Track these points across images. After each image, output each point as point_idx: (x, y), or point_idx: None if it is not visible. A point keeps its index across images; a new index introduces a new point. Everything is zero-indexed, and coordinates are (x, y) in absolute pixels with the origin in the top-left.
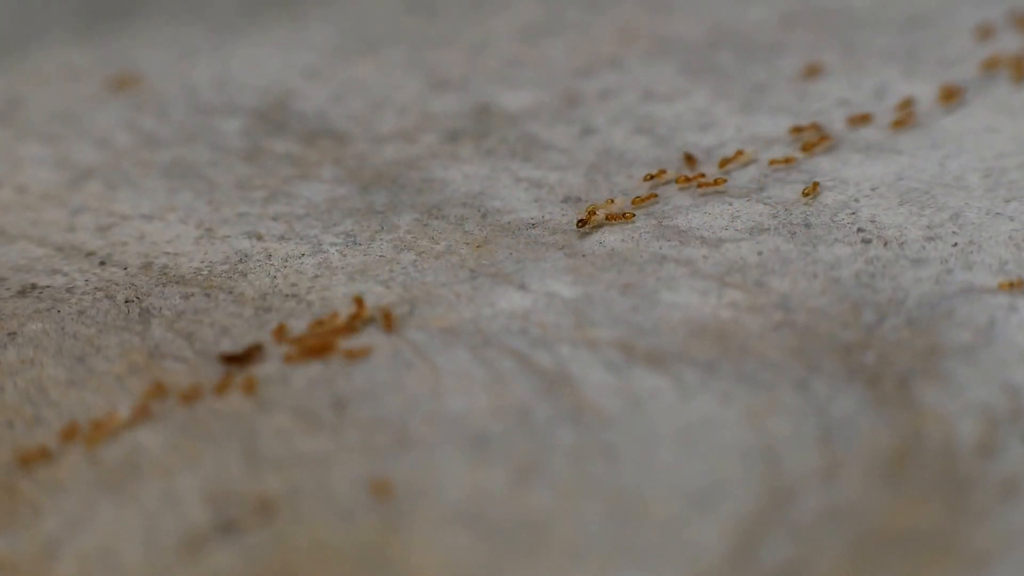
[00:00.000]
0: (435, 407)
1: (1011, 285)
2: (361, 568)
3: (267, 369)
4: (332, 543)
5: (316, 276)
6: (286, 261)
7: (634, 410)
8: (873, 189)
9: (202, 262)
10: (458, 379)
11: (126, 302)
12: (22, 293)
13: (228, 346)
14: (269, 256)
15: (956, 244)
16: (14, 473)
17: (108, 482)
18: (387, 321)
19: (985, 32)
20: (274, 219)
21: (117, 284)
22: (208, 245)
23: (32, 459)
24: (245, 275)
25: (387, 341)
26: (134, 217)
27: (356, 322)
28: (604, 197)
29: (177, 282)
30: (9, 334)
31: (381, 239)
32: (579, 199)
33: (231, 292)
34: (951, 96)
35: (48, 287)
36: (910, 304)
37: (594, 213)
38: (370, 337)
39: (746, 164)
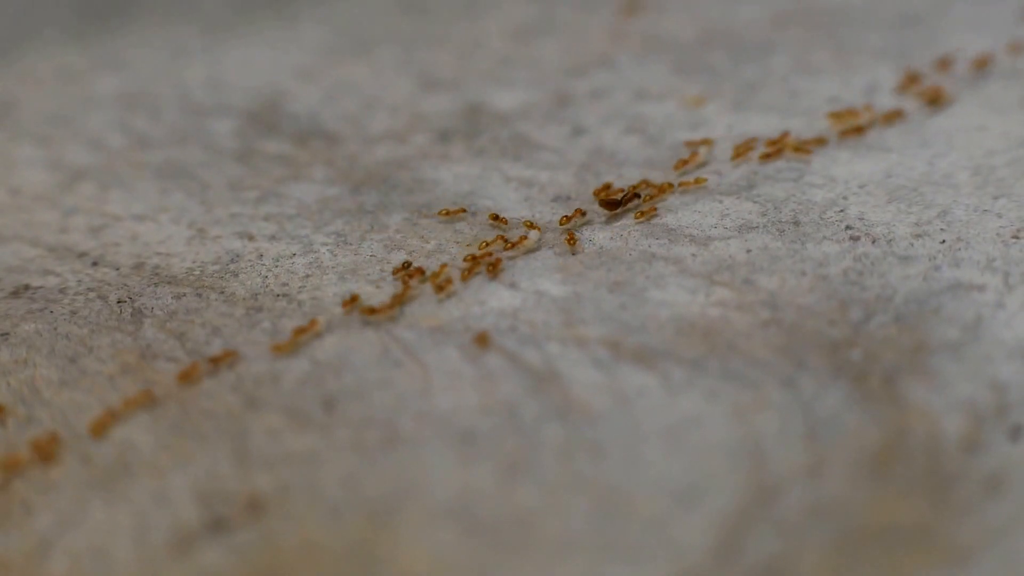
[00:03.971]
0: (424, 405)
1: None
2: (350, 565)
3: (257, 367)
4: (321, 541)
5: (307, 276)
6: (277, 261)
7: (621, 407)
8: (862, 187)
9: (194, 262)
10: (447, 377)
11: (118, 302)
12: (15, 294)
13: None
14: (260, 256)
15: (944, 241)
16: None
17: (99, 481)
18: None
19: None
20: (265, 219)
21: (109, 284)
22: (200, 245)
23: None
24: (236, 275)
25: (376, 338)
26: (126, 218)
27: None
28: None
29: (169, 282)
30: (2, 334)
31: (371, 239)
32: (569, 198)
33: (222, 292)
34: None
35: (41, 288)
36: (898, 301)
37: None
38: (361, 334)
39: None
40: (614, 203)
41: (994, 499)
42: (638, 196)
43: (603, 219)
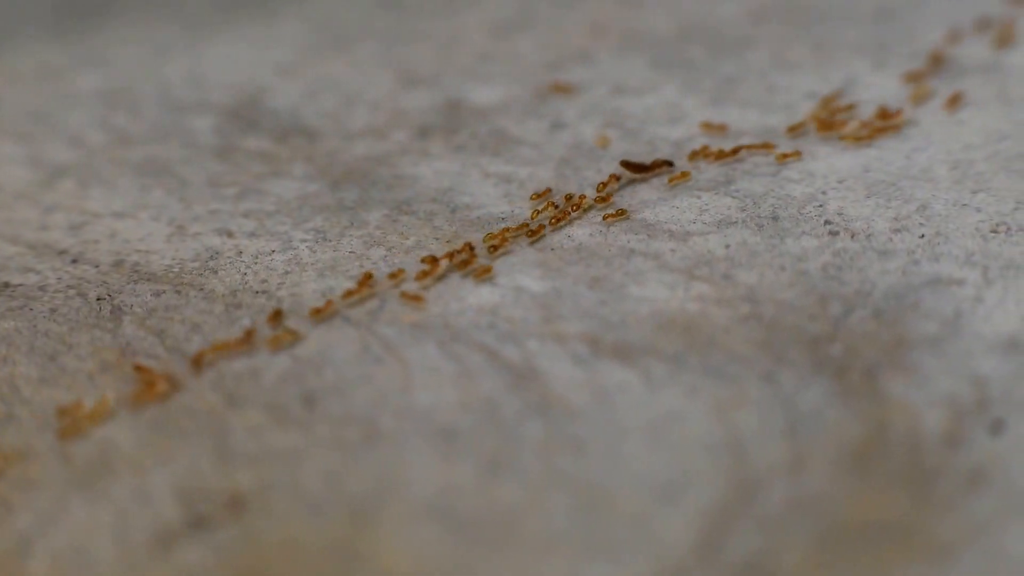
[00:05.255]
0: (404, 402)
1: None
2: (331, 563)
3: (239, 364)
4: (302, 538)
5: (286, 272)
6: (256, 258)
7: (602, 404)
8: (840, 181)
9: (173, 259)
10: (427, 374)
11: (98, 300)
12: None
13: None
14: (240, 253)
15: (923, 236)
16: None
17: (80, 479)
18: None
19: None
20: (245, 216)
21: (89, 282)
22: (179, 242)
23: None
24: (216, 272)
25: (356, 335)
26: (106, 215)
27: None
28: (573, 191)
29: (148, 279)
30: None
31: (351, 235)
32: (548, 193)
33: (202, 289)
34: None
35: (21, 285)
36: (877, 296)
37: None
38: (341, 331)
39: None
40: (639, 167)
41: (975, 494)
42: (669, 164)
43: (590, 206)
